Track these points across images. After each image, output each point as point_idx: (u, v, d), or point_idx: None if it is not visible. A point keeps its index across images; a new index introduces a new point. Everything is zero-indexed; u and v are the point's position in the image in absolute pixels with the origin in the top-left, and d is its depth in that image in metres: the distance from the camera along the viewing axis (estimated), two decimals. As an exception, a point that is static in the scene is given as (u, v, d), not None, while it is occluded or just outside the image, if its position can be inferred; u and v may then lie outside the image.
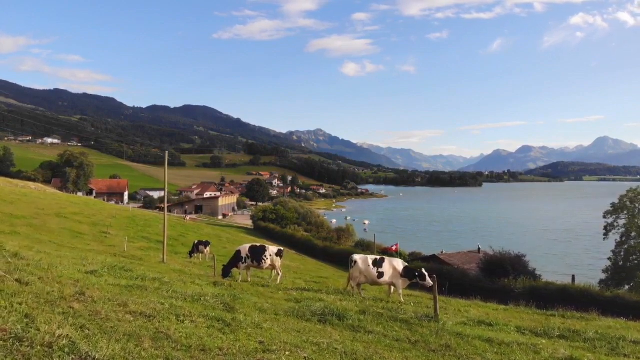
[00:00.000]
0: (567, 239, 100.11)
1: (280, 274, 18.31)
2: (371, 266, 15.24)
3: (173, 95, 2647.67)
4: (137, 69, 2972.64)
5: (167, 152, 28.72)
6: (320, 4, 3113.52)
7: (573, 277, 41.93)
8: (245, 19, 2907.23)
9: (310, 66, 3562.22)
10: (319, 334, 8.07)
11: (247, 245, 18.38)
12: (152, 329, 6.36)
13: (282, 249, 18.76)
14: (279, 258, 18.06)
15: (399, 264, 15.41)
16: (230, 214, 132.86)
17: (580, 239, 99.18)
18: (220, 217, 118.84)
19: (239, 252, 18.07)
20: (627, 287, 45.42)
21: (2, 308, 6.08)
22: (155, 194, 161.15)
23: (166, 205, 27.00)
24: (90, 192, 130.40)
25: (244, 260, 17.78)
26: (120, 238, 35.66)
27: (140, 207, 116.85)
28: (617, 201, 53.46)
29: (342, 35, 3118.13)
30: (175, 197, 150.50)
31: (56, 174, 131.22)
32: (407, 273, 15.23)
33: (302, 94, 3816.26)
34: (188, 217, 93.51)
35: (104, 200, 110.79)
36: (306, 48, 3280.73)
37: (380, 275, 15.16)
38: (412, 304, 13.50)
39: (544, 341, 9.39)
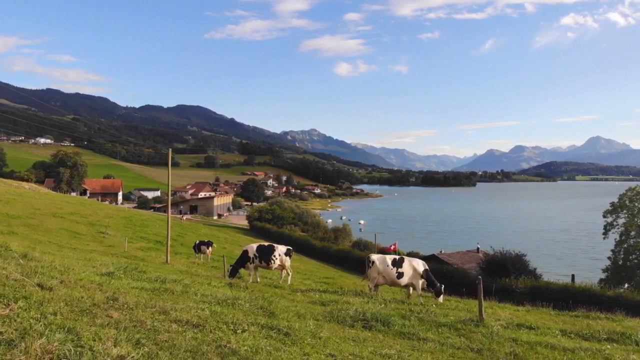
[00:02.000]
0: (563, 239, 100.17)
1: (290, 274, 17.86)
2: (390, 266, 14.75)
3: (166, 95, 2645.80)
4: (130, 69, 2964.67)
5: (170, 150, 28.24)
6: (312, 4, 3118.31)
7: (572, 277, 41.90)
8: (237, 19, 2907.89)
9: (303, 66, 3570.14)
10: (376, 342, 7.58)
11: (255, 245, 17.90)
12: (210, 341, 5.64)
13: (290, 248, 18.27)
14: (288, 258, 17.60)
15: (420, 265, 14.95)
16: (225, 214, 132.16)
17: (577, 239, 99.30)
18: (215, 217, 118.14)
19: (246, 252, 17.57)
20: (626, 285, 45.35)
21: (35, 320, 5.14)
22: (150, 194, 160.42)
23: (170, 205, 26.56)
24: (83, 192, 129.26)
25: (251, 261, 17.31)
26: (119, 238, 35.24)
27: (134, 207, 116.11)
28: (615, 200, 53.55)
29: (335, 36, 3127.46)
30: (170, 197, 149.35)
31: (49, 174, 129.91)
32: (427, 276, 14.84)
33: (296, 94, 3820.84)
34: (185, 217, 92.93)
35: (97, 200, 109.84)
36: (299, 48, 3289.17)
37: (400, 275, 14.68)
38: (433, 305, 13.13)
39: (608, 346, 8.98)
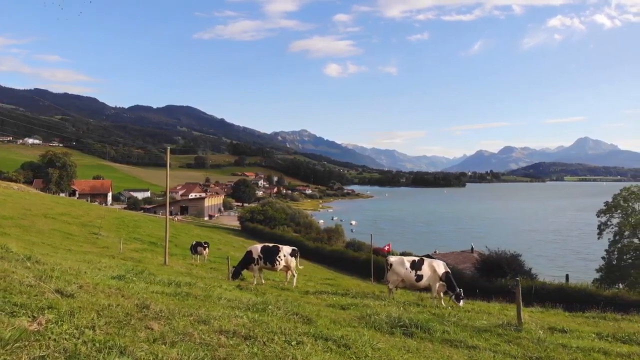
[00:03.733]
0: (554, 240, 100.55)
1: (295, 275, 17.49)
2: (408, 269, 14.37)
3: (156, 95, 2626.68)
4: (118, 69, 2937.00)
5: (168, 148, 27.75)
6: (300, 5, 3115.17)
7: (567, 277, 42.04)
8: (226, 19, 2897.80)
9: (293, 67, 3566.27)
10: (429, 352, 7.13)
11: (259, 246, 17.53)
12: (274, 357, 5.03)
13: (296, 249, 17.87)
14: (293, 259, 17.20)
15: (440, 267, 14.48)
16: (216, 215, 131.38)
17: (568, 240, 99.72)
18: (206, 218, 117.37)
19: (250, 253, 17.19)
20: (620, 285, 45.55)
21: (74, 338, 4.31)
22: (139, 195, 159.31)
23: (168, 206, 26.06)
24: (72, 193, 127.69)
25: (256, 262, 16.92)
26: (112, 239, 34.70)
27: (124, 208, 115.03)
28: (607, 200, 53.83)
29: (324, 37, 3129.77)
30: (160, 198, 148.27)
31: (38, 174, 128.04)
32: (447, 278, 14.40)
33: (286, 95, 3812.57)
34: (177, 217, 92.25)
35: (87, 201, 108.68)
36: (289, 49, 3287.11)
37: (419, 278, 14.28)
38: (449, 307, 12.83)
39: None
